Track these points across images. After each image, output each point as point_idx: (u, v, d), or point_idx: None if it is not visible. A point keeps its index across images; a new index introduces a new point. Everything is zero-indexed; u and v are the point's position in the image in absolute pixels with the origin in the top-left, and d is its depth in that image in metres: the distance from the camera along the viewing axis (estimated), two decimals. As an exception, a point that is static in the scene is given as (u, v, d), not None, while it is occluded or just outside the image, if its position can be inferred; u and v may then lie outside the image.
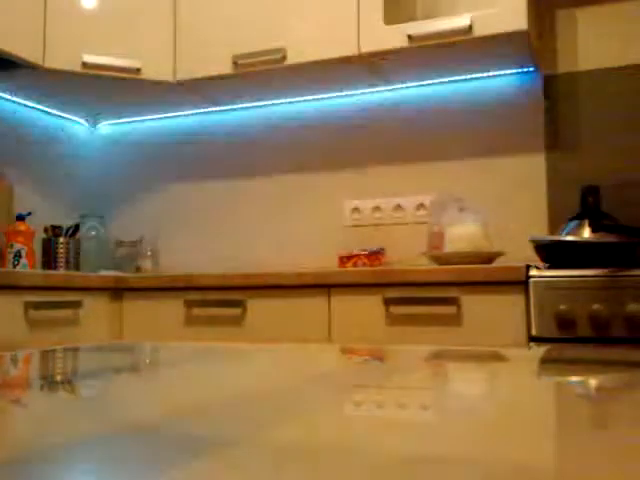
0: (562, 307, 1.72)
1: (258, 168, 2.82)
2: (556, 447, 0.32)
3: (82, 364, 0.73)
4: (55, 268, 2.60)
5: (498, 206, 2.41)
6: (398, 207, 2.57)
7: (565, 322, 1.72)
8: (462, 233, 2.14)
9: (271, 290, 2.09)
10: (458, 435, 0.34)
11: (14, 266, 2.43)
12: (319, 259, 2.63)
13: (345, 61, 2.33)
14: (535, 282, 1.77)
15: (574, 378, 0.58)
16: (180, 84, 2.56)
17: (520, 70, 2.42)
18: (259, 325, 2.09)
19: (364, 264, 2.38)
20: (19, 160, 2.76)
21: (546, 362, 0.74)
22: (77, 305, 2.14)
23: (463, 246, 2.11)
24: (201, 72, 2.50)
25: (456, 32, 2.15)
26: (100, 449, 0.31)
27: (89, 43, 2.46)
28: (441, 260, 2.12)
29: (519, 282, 1.81)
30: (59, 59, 2.40)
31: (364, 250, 2.43)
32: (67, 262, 2.63)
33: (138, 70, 2.49)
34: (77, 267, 2.67)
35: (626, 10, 2.34)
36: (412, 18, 2.36)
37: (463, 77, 2.49)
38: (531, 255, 2.02)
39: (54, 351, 0.83)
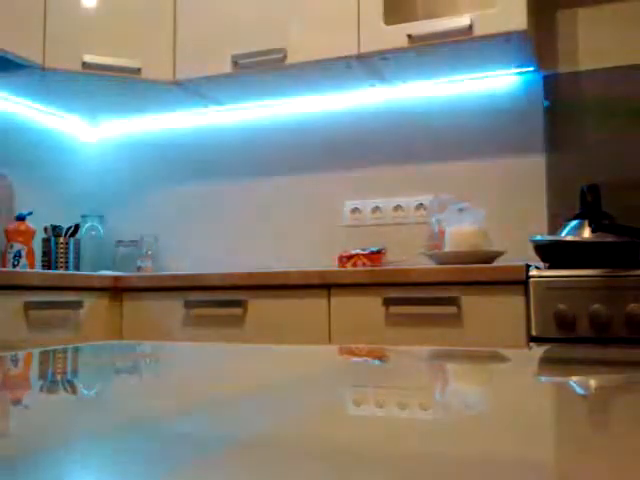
0: (562, 307, 1.72)
1: (258, 168, 2.82)
2: (556, 447, 0.32)
3: (82, 364, 0.73)
4: (55, 268, 2.60)
5: (498, 206, 2.41)
6: (398, 207, 2.57)
7: (565, 322, 1.72)
8: (462, 233, 2.13)
9: (271, 290, 2.08)
10: (458, 435, 0.34)
11: (14, 266, 2.43)
12: (319, 259, 2.63)
13: (345, 61, 2.33)
14: (535, 282, 1.77)
15: (574, 378, 0.58)
16: (180, 84, 2.56)
17: (520, 70, 2.41)
18: (259, 325, 2.09)
19: (364, 264, 2.38)
20: (19, 160, 2.76)
21: (546, 362, 0.74)
22: (77, 305, 2.13)
23: (463, 246, 2.11)
24: (201, 72, 2.50)
25: (456, 32, 2.15)
26: (100, 449, 0.31)
27: (89, 43, 2.46)
28: (441, 260, 2.12)
29: (519, 282, 1.81)
30: (59, 59, 2.40)
31: (364, 250, 2.43)
32: (67, 262, 2.63)
33: (138, 70, 2.49)
34: (77, 267, 2.67)
35: (626, 10, 2.34)
36: (412, 18, 2.36)
37: (463, 77, 2.49)
38: (531, 255, 2.02)
39: (54, 351, 0.83)
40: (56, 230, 2.65)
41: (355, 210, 2.64)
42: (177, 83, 2.55)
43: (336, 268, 2.40)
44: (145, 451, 0.30)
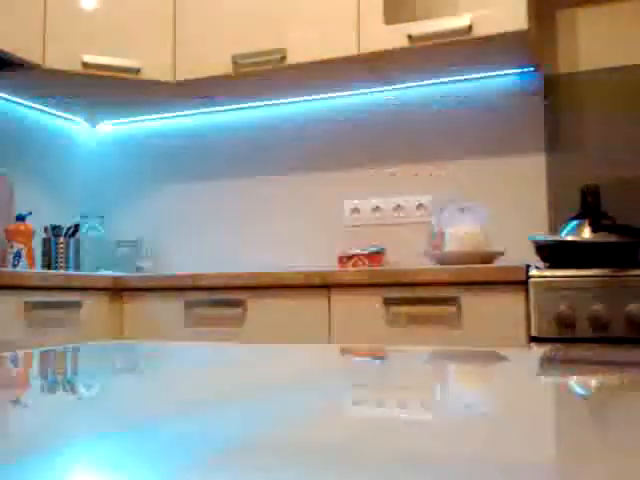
0: (562, 307, 1.72)
1: (258, 168, 2.82)
2: (556, 447, 0.32)
3: (82, 364, 0.73)
4: (55, 268, 2.60)
5: (498, 206, 2.41)
6: (398, 207, 2.57)
7: (565, 322, 1.72)
8: (462, 233, 2.13)
9: (271, 290, 2.08)
10: (458, 435, 0.34)
11: (14, 266, 2.43)
12: (319, 259, 2.63)
13: (345, 61, 2.33)
14: (535, 282, 1.77)
15: (574, 378, 0.58)
16: (180, 84, 2.56)
17: (520, 70, 2.42)
18: (259, 325, 2.09)
19: (364, 264, 2.38)
20: (19, 160, 2.76)
21: (546, 362, 0.74)
22: (77, 305, 2.14)
23: (463, 246, 2.11)
24: (201, 72, 2.50)
25: (456, 32, 2.15)
26: (99, 449, 0.31)
27: (89, 43, 2.46)
28: (441, 260, 2.12)
29: (519, 282, 1.81)
30: (59, 59, 2.40)
31: (364, 250, 2.43)
32: (67, 262, 2.63)
33: (138, 70, 2.49)
34: (77, 267, 2.67)
35: (626, 10, 2.34)
36: (412, 18, 2.36)
37: (463, 77, 2.49)
38: (531, 255, 2.02)
39: (54, 351, 0.83)
40: (56, 230, 2.65)
41: (355, 210, 2.64)
42: (177, 83, 2.55)
43: (336, 268, 2.41)
44: (145, 451, 0.30)
